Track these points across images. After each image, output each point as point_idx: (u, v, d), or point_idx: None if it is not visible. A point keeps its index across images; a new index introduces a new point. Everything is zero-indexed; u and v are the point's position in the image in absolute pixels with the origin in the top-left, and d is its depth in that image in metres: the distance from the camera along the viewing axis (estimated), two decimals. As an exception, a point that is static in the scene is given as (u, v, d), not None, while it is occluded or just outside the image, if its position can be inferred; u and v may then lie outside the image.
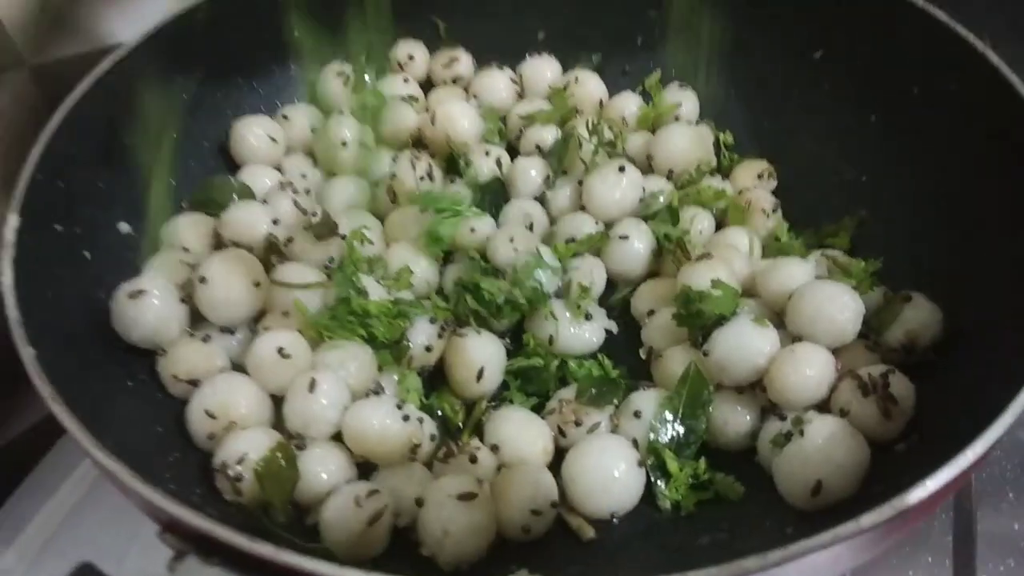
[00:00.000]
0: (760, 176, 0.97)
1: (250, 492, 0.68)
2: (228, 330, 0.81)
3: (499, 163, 0.98)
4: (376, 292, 0.81)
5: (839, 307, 0.75)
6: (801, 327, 0.76)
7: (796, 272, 0.80)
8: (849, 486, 0.66)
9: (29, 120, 0.97)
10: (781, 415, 0.73)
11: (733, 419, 0.76)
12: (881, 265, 0.82)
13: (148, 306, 0.75)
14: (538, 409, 0.80)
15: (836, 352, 0.75)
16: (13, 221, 0.70)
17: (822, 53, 0.97)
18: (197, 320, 0.81)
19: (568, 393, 0.78)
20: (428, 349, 0.80)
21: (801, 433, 0.69)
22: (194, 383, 0.75)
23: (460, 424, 0.80)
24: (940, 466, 0.56)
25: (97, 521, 0.85)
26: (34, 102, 0.99)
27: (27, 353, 0.60)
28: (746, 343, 0.74)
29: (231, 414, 0.72)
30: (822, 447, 0.67)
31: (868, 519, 0.54)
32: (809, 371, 0.72)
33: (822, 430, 0.68)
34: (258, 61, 1.02)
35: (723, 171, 1.00)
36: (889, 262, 0.83)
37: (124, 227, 0.86)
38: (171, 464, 0.71)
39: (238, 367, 0.79)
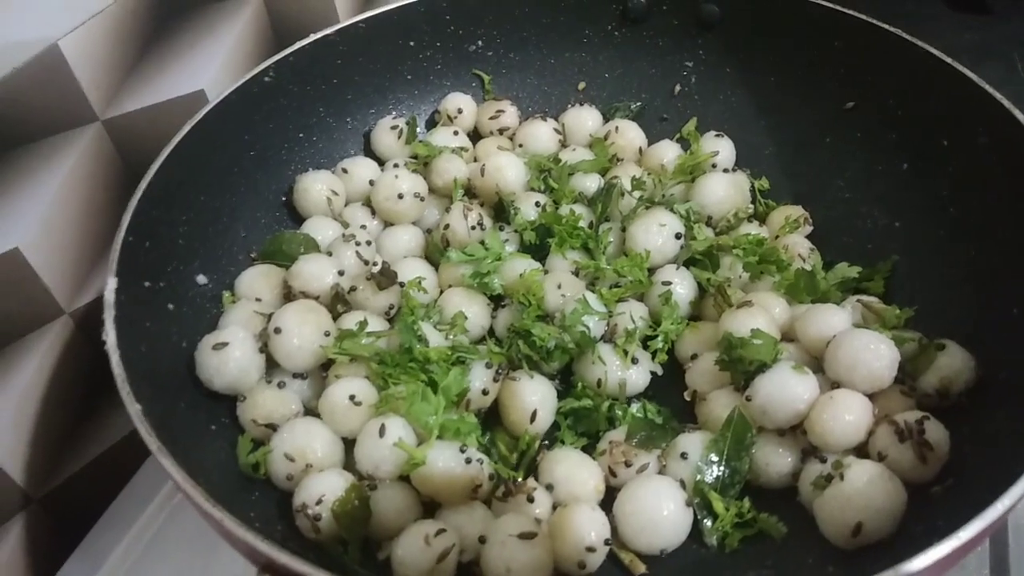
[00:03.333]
0: (796, 222, 1.01)
1: (328, 530, 0.73)
2: (300, 375, 0.87)
3: (544, 210, 1.03)
4: (435, 339, 0.87)
5: (876, 355, 0.79)
6: (839, 373, 0.80)
7: (833, 320, 0.85)
8: (887, 527, 0.70)
9: (103, 173, 1.04)
10: (821, 458, 0.78)
11: (775, 461, 0.80)
12: (914, 312, 0.86)
13: (230, 357, 0.82)
14: (588, 448, 0.85)
15: (873, 397, 0.79)
16: (112, 283, 0.76)
17: (854, 104, 1.01)
18: (271, 367, 0.87)
19: (618, 435, 0.83)
20: (484, 392, 0.86)
21: (841, 477, 0.73)
22: (271, 427, 0.82)
23: (515, 463, 0.85)
24: (973, 516, 0.60)
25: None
26: (108, 156, 1.06)
27: (134, 410, 0.66)
28: (787, 389, 0.79)
29: (308, 457, 0.78)
30: (862, 491, 0.71)
31: (908, 567, 0.58)
32: (848, 416, 0.77)
33: (861, 474, 0.72)
34: (317, 117, 1.09)
35: (759, 217, 1.05)
36: (922, 308, 0.87)
37: (202, 279, 0.93)
38: (253, 503, 0.77)
39: (309, 410, 0.85)
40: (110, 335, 0.72)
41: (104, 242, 0.84)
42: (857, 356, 0.79)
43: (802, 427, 0.79)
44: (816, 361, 0.84)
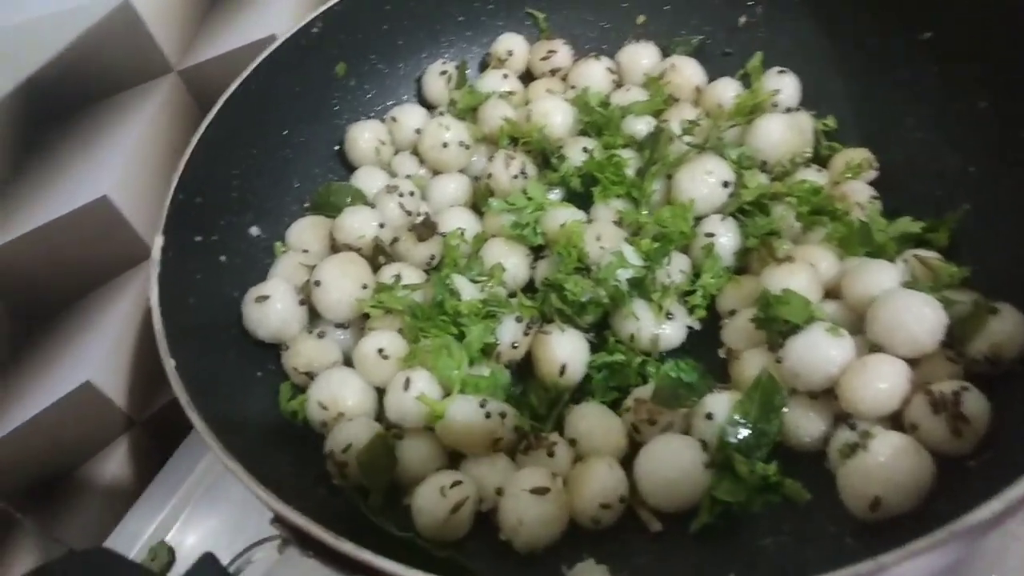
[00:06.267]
0: (860, 166, 0.94)
1: (353, 477, 0.78)
2: (341, 325, 0.91)
3: (592, 156, 1.01)
4: (468, 292, 0.88)
5: (917, 318, 0.74)
6: (879, 335, 0.76)
7: (882, 277, 0.80)
8: (908, 503, 0.67)
9: (181, 120, 1.10)
10: (852, 424, 0.74)
11: (805, 424, 0.77)
12: (971, 271, 0.79)
13: (272, 309, 0.86)
14: (619, 404, 0.85)
15: (915, 363, 0.75)
16: (159, 241, 0.82)
17: (931, 34, 0.92)
18: (315, 317, 0.91)
19: (644, 392, 0.82)
20: (515, 346, 0.87)
21: (865, 447, 0.70)
22: (311, 375, 0.86)
23: (545, 414, 0.86)
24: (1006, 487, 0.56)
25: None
26: (185, 104, 1.12)
27: (168, 365, 0.72)
28: (819, 352, 0.75)
29: (340, 406, 0.82)
30: (884, 464, 0.68)
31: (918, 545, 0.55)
32: (881, 384, 0.73)
33: (885, 446, 0.69)
34: (368, 64, 1.10)
35: (821, 160, 0.98)
36: (987, 265, 0.80)
37: (255, 230, 0.97)
38: (291, 446, 0.83)
39: (350, 358, 0.89)
40: (153, 292, 0.77)
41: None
42: (898, 318, 0.75)
43: (834, 391, 0.76)
44: (861, 321, 0.80)
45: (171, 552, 0.97)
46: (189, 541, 1.00)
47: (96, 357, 1.02)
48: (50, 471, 1.01)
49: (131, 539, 1.01)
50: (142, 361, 1.07)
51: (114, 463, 1.09)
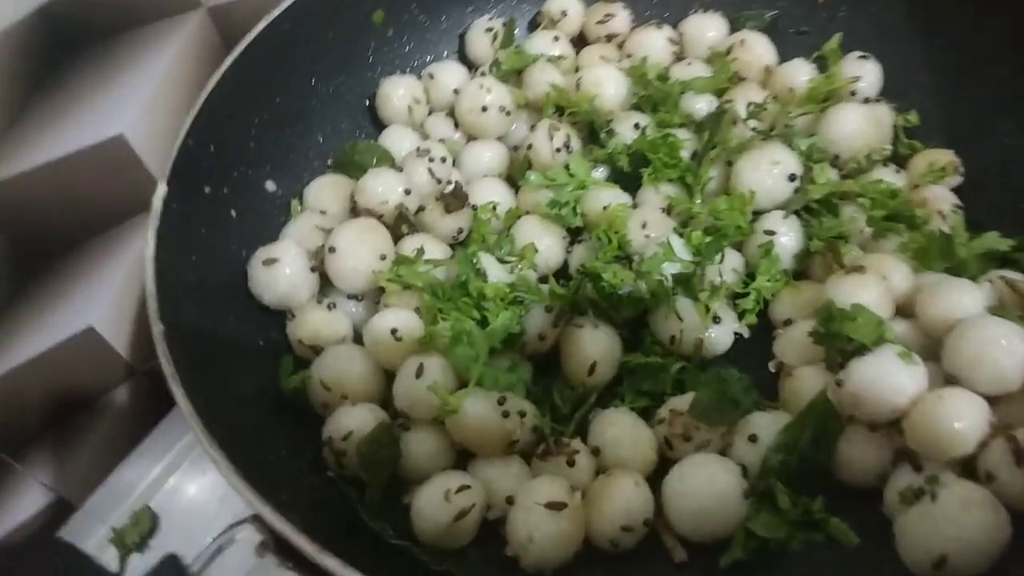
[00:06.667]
0: (943, 170, 0.84)
1: (351, 467, 0.71)
2: (355, 297, 0.83)
3: (644, 133, 0.91)
4: (496, 273, 0.80)
5: (1006, 352, 0.65)
6: (958, 367, 0.67)
7: (965, 299, 0.70)
8: (979, 565, 0.59)
9: (207, 60, 1.03)
10: (916, 465, 0.66)
11: (861, 458, 0.69)
12: (1071, 302, 0.70)
13: (280, 274, 0.79)
14: (649, 411, 0.77)
15: (995, 402, 0.65)
16: (161, 190, 0.74)
17: (1044, 26, 0.81)
18: (327, 286, 0.84)
19: (681, 403, 0.74)
20: (542, 338, 0.79)
21: (933, 496, 0.61)
22: (316, 349, 0.79)
23: (567, 414, 0.78)
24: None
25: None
26: (212, 42, 1.05)
27: (156, 328, 0.65)
28: (887, 379, 0.67)
29: (344, 387, 0.75)
30: (955, 518, 0.59)
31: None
32: (957, 424, 0.64)
33: (957, 498, 0.60)
34: (409, 14, 1.01)
35: (899, 160, 0.88)
36: (1086, 295, 0.70)
37: (271, 185, 0.90)
38: (288, 425, 0.76)
39: (361, 334, 0.82)
40: (149, 247, 0.70)
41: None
42: (983, 350, 0.66)
43: (900, 425, 0.67)
44: (935, 346, 0.71)
45: (154, 519, 0.92)
46: (174, 507, 0.95)
47: (101, 302, 0.97)
48: (45, 416, 0.97)
49: (118, 497, 0.96)
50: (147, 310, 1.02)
51: (111, 412, 1.04)
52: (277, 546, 0.54)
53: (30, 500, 0.96)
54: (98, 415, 1.03)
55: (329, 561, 0.49)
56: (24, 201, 0.87)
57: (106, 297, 0.98)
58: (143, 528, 0.91)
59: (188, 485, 0.95)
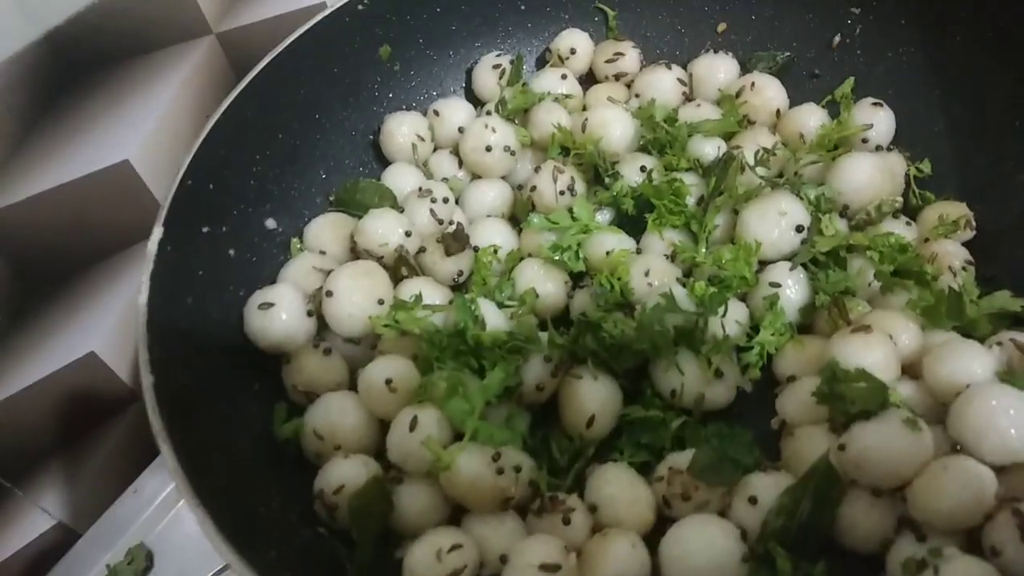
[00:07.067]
0: (955, 224, 0.82)
1: (343, 521, 0.70)
2: (352, 340, 0.82)
3: (651, 177, 0.90)
4: (494, 320, 0.79)
5: (1014, 422, 0.63)
6: (964, 435, 0.65)
7: (972, 364, 0.68)
8: (983, 647, 0.57)
9: (216, 87, 1.03)
10: (920, 535, 0.64)
11: (863, 524, 0.67)
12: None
13: (275, 320, 0.78)
14: (648, 466, 0.76)
15: (1002, 472, 0.64)
16: (157, 233, 0.74)
17: (1061, 79, 0.80)
18: (323, 328, 0.83)
19: (681, 460, 0.73)
20: (540, 388, 0.77)
21: (936, 571, 0.60)
22: (311, 395, 0.78)
23: (565, 466, 0.77)
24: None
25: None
26: (221, 69, 1.04)
27: (146, 380, 0.64)
28: (891, 446, 0.65)
29: (337, 438, 0.74)
30: (958, 597, 0.58)
31: None
32: (964, 494, 0.62)
33: (961, 574, 0.58)
34: (416, 49, 1.00)
35: (910, 212, 0.86)
36: (1099, 362, 0.69)
37: (271, 223, 0.89)
38: (281, 474, 0.75)
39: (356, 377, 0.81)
40: (143, 294, 0.70)
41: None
42: (990, 419, 0.64)
43: (903, 493, 0.65)
44: (940, 409, 0.69)
45: (149, 557, 0.91)
46: (170, 544, 0.94)
47: (103, 328, 0.97)
48: (46, 442, 0.96)
49: (115, 531, 0.95)
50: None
51: (113, 438, 1.04)
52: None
53: (31, 526, 0.96)
54: (99, 441, 1.02)
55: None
56: (29, 226, 0.87)
57: (108, 322, 0.97)
58: (138, 566, 0.91)
59: (183, 522, 0.94)
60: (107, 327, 0.97)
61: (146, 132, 0.95)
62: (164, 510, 0.96)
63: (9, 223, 0.84)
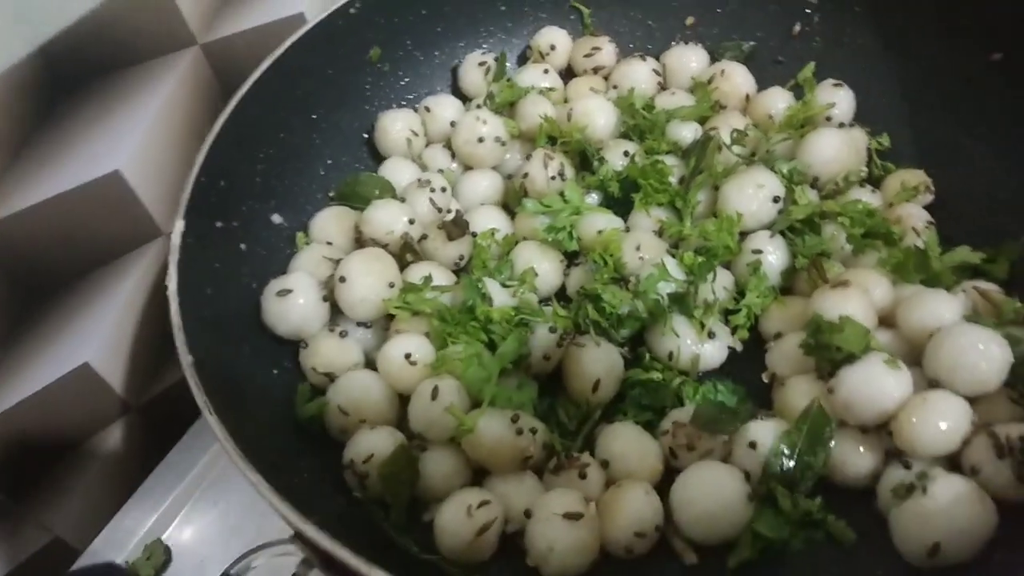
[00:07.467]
0: (915, 189, 0.90)
1: (374, 488, 0.74)
2: (364, 324, 0.86)
3: (634, 160, 0.96)
4: (500, 297, 0.84)
5: (983, 356, 0.70)
6: (939, 372, 0.72)
7: (941, 308, 0.75)
8: (969, 550, 0.63)
9: (201, 97, 1.05)
10: (906, 463, 0.70)
11: (853, 460, 0.73)
12: (1038, 308, 0.75)
13: (293, 305, 0.82)
14: (652, 424, 0.81)
15: (975, 402, 0.71)
16: (179, 226, 0.77)
17: (1001, 55, 0.87)
18: (336, 314, 0.86)
19: (683, 415, 0.78)
20: (547, 358, 0.82)
21: (924, 490, 0.66)
22: (330, 376, 0.82)
23: (573, 431, 0.82)
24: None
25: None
26: (206, 79, 1.07)
27: (186, 361, 0.67)
28: (875, 385, 0.71)
29: (362, 412, 0.78)
30: (945, 509, 0.64)
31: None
32: (942, 423, 0.69)
33: (947, 490, 0.65)
34: (404, 50, 1.05)
35: (874, 181, 0.94)
36: (1051, 301, 0.76)
37: (277, 218, 0.93)
38: (307, 451, 0.78)
39: (372, 360, 0.85)
40: (172, 281, 0.73)
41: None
42: (962, 355, 0.70)
43: (888, 427, 0.72)
44: (916, 353, 0.75)
45: (167, 551, 0.93)
46: (186, 539, 0.96)
47: (96, 338, 0.98)
48: (41, 455, 0.97)
49: (127, 533, 0.97)
50: (143, 345, 1.03)
51: (107, 450, 1.05)
52: (322, 562, 0.56)
53: (28, 540, 0.97)
54: (93, 453, 1.03)
55: (376, 574, 0.52)
56: (22, 238, 0.88)
57: (102, 333, 0.98)
58: (157, 561, 0.92)
59: (198, 518, 0.97)
60: (101, 337, 0.98)
61: (135, 142, 0.96)
62: (175, 510, 0.98)
63: (2, 236, 0.85)
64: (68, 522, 1.00)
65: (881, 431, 0.73)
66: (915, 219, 0.87)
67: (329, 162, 0.99)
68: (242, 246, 0.87)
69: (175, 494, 0.99)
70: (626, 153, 0.96)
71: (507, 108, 1.03)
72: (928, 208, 0.90)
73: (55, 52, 0.86)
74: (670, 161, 0.94)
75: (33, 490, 0.96)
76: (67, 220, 0.91)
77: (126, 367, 1.02)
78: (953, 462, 0.70)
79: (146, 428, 1.07)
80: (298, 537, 0.58)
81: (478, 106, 1.01)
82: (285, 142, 0.94)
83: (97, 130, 0.94)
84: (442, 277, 0.87)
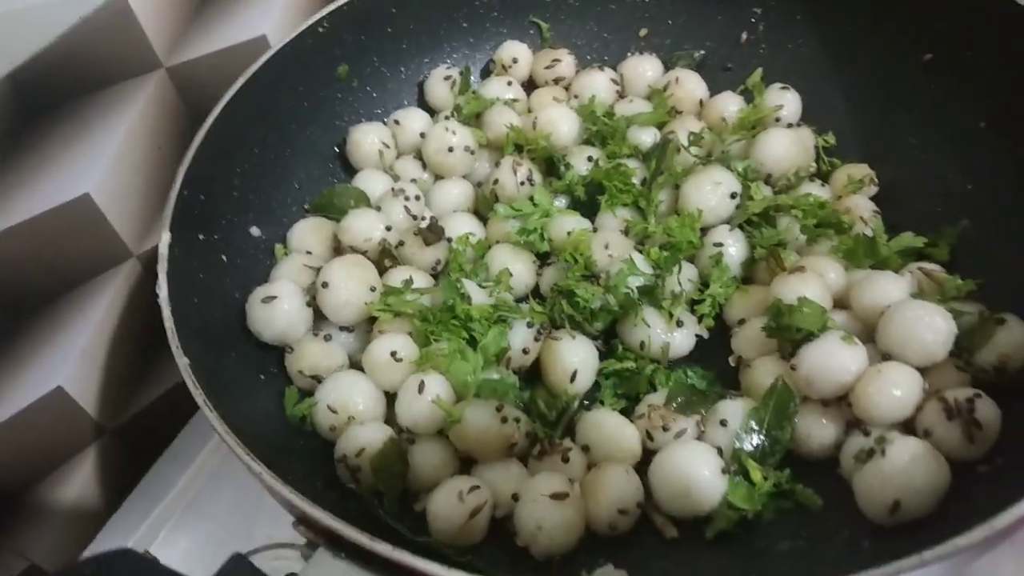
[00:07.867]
0: (861, 182, 0.96)
1: (366, 481, 0.76)
2: (347, 328, 0.89)
3: (598, 165, 1.01)
4: (478, 297, 0.88)
5: (930, 328, 0.75)
6: (890, 345, 0.77)
7: (890, 288, 0.81)
8: (927, 506, 0.68)
9: (168, 119, 1.06)
10: (865, 431, 0.75)
11: (817, 431, 0.78)
12: (977, 285, 0.81)
13: (279, 311, 0.84)
14: (628, 411, 0.85)
15: (925, 371, 0.76)
16: (166, 237, 0.79)
17: (932, 56, 0.95)
18: (320, 319, 0.89)
19: (657, 399, 0.83)
20: (525, 352, 0.86)
21: (883, 452, 0.71)
22: (317, 378, 0.84)
23: (553, 422, 0.85)
24: (1018, 498, 0.58)
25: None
26: (172, 102, 1.09)
27: (182, 363, 0.70)
28: (834, 360, 0.76)
29: (350, 410, 0.80)
30: (902, 468, 0.69)
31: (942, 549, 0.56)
32: (896, 391, 0.74)
33: (904, 452, 0.70)
34: (371, 67, 1.09)
35: (822, 175, 1.00)
36: (988, 279, 0.82)
37: (255, 231, 0.95)
38: (298, 451, 0.81)
39: (355, 363, 0.88)
40: (163, 289, 0.75)
41: (170, 187, 0.87)
42: (911, 328, 0.76)
43: (848, 399, 0.77)
44: (870, 331, 0.81)
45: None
46: (169, 558, 0.96)
47: (69, 362, 0.98)
48: (15, 481, 0.97)
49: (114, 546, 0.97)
50: (115, 367, 1.03)
51: (82, 474, 1.04)
52: (329, 542, 0.59)
53: (3, 567, 0.96)
54: (68, 478, 1.03)
55: (382, 547, 0.55)
56: (-5, 264, 0.88)
57: (74, 356, 0.98)
58: (145, 571, 0.93)
59: (180, 536, 0.98)
60: (73, 360, 0.98)
61: (104, 165, 0.97)
62: (153, 533, 0.99)
63: (-26, 261, 0.86)
64: (44, 548, 1.00)
65: (841, 403, 0.78)
66: (862, 209, 0.93)
67: (303, 175, 1.02)
68: (223, 257, 0.89)
69: (156, 512, 1.00)
70: (590, 158, 1.01)
71: (474, 119, 1.07)
72: (873, 199, 0.96)
73: (23, 79, 0.86)
74: (632, 164, 0.99)
75: (8, 516, 0.96)
76: (38, 244, 0.92)
77: (100, 390, 1.02)
78: (908, 427, 0.75)
79: (121, 451, 1.07)
80: (301, 522, 0.60)
81: (447, 118, 1.05)
82: (260, 157, 0.97)
83: (67, 154, 0.94)
84: (421, 281, 0.90)
